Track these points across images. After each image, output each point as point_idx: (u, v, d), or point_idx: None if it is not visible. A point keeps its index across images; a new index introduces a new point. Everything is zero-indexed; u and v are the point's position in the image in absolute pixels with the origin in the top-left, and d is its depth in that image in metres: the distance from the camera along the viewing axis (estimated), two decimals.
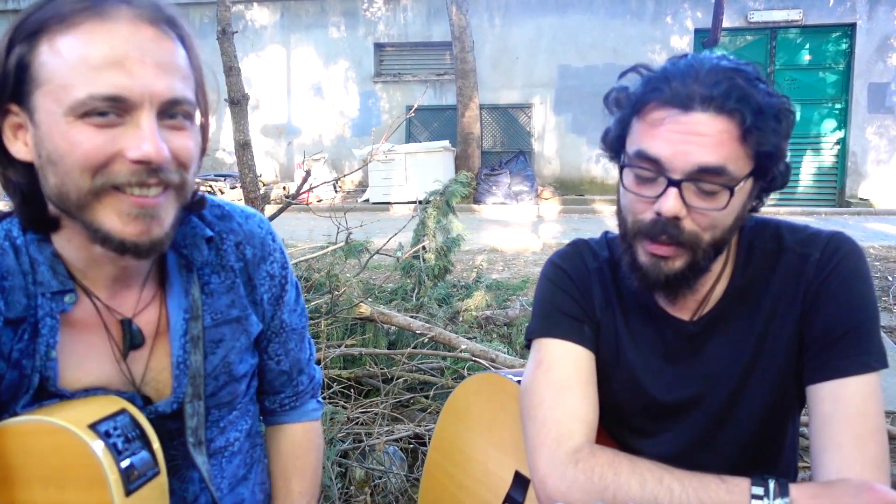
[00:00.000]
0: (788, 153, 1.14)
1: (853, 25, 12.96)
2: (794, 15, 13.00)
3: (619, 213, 1.17)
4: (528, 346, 1.29)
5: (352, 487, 2.44)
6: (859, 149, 13.16)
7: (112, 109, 0.90)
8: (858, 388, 1.08)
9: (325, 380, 2.92)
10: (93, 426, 0.96)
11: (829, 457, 1.06)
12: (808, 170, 13.47)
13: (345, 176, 6.22)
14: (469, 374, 3.13)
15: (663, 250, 1.09)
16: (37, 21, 0.91)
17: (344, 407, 2.84)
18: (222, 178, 13.34)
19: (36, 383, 1.01)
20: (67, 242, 1.02)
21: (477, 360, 2.99)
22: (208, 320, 1.14)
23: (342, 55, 14.91)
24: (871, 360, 1.09)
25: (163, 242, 0.98)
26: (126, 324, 1.07)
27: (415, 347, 3.23)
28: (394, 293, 4.66)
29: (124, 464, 0.96)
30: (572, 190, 13.90)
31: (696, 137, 1.03)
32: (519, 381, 1.34)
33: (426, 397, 3.01)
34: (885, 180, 13.06)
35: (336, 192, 14.11)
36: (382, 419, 2.76)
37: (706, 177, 1.04)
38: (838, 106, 13.24)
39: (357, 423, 2.76)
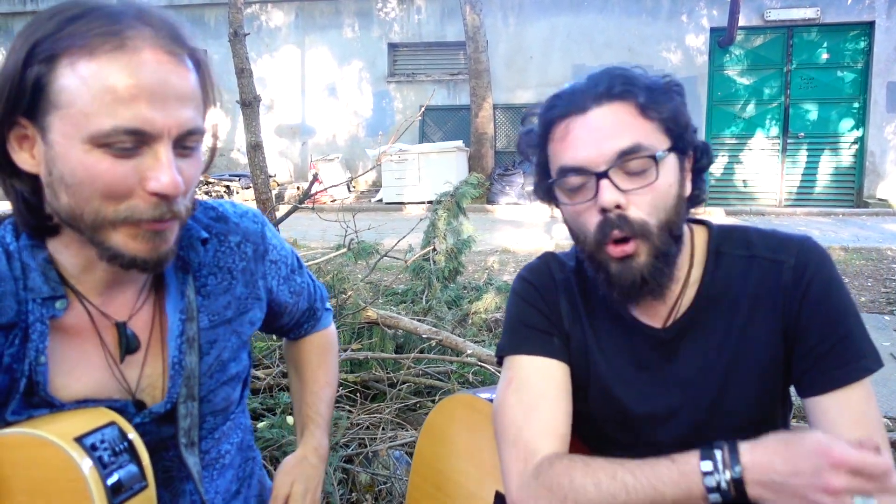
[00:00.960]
0: (696, 131, 1.19)
1: (872, 24, 12.82)
2: (811, 13, 12.87)
3: (576, 239, 1.19)
4: (499, 363, 1.29)
5: (354, 494, 2.43)
6: (877, 149, 13.01)
7: (133, 141, 0.92)
8: (861, 394, 1.10)
9: None
10: (79, 439, 0.95)
11: None
12: (825, 170, 13.35)
13: (357, 177, 6.23)
14: (475, 379, 3.12)
15: (625, 249, 1.11)
16: (57, 42, 0.90)
17: (349, 411, 2.84)
18: (237, 178, 13.43)
19: (23, 387, 1.00)
20: (64, 248, 1.02)
21: (483, 365, 2.98)
22: (205, 322, 1.14)
23: (356, 55, 14.95)
24: (868, 363, 1.11)
25: (168, 257, 1.01)
26: (121, 328, 1.07)
27: (421, 351, 3.22)
28: (404, 295, 4.66)
29: (111, 479, 0.95)
30: None
31: (601, 130, 1.10)
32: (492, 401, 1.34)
33: (433, 402, 3.00)
34: None
35: (350, 192, 14.14)
36: (387, 424, 2.76)
37: (627, 159, 1.09)
38: (856, 105, 13.10)
39: (362, 428, 2.76)
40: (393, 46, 14.94)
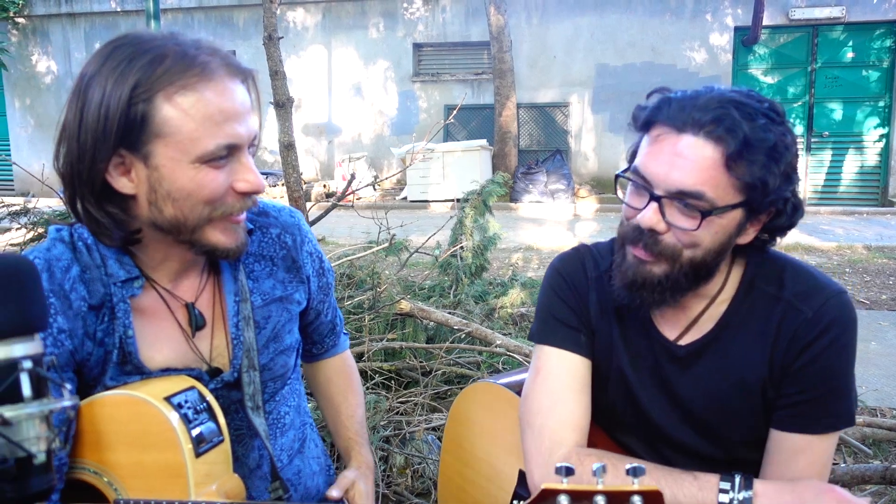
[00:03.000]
0: (793, 194, 1.16)
1: None
2: (836, 12, 12.80)
3: (620, 222, 1.25)
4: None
5: (394, 471, 2.61)
6: None
7: (227, 153, 1.12)
8: (823, 445, 1.16)
9: (368, 371, 3.10)
10: (168, 398, 1.13)
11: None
12: (850, 168, 13.27)
13: (385, 179, 6.38)
14: (504, 368, 3.28)
15: (643, 255, 1.16)
16: (154, 83, 1.07)
17: (385, 397, 3.01)
18: (265, 177, 13.62)
19: (117, 357, 1.20)
20: (144, 247, 1.21)
21: (512, 354, 3.14)
22: (258, 301, 1.33)
23: (381, 55, 15.10)
24: (837, 422, 1.17)
25: (245, 245, 1.23)
26: (190, 307, 1.27)
27: (452, 342, 3.39)
28: (432, 290, 4.81)
29: (195, 431, 1.12)
30: (609, 188, 13.88)
31: (680, 159, 1.09)
32: (511, 389, 1.52)
33: (461, 389, 3.15)
34: None
35: (375, 190, 14.31)
36: (421, 409, 2.93)
37: (685, 198, 1.09)
38: (881, 104, 13.01)
39: (397, 413, 2.93)
40: (418, 46, 15.07)
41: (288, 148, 5.00)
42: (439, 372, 3.18)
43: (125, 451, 1.12)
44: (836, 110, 13.20)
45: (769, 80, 13.47)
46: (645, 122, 1.17)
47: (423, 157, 12.72)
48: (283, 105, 6.21)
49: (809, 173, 13.36)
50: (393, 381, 3.19)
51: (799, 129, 13.36)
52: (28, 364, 0.81)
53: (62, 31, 16.33)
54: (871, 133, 13.12)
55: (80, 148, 1.09)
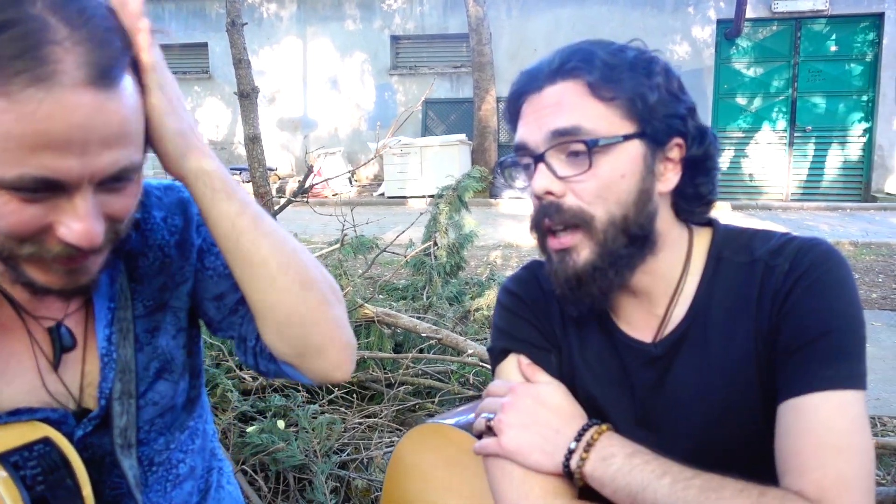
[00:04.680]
0: (690, 114, 1.04)
1: (881, 15, 12.66)
2: (819, 4, 12.72)
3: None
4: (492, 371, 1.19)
5: (352, 499, 2.31)
6: (886, 142, 12.86)
7: (44, 188, 0.78)
8: (824, 405, 0.91)
9: (327, 385, 2.80)
10: (4, 457, 0.86)
11: (786, 469, 0.90)
12: (833, 164, 13.21)
13: (357, 169, 6.10)
14: (476, 380, 3.01)
15: (562, 241, 1.02)
16: None
17: (345, 414, 2.72)
18: (237, 172, 13.30)
19: None
20: None
21: (484, 365, 2.86)
22: (139, 309, 1.03)
23: (358, 48, 14.83)
24: (840, 374, 0.92)
25: (90, 285, 0.90)
26: (55, 329, 0.96)
27: (421, 351, 3.11)
28: (404, 290, 4.56)
29: (34, 497, 0.85)
30: None
31: (546, 108, 1.01)
32: (468, 431, 1.23)
33: (432, 402, 2.89)
34: None
35: (352, 185, 14.04)
36: (384, 430, 2.64)
37: (562, 141, 0.99)
38: (865, 98, 12.95)
39: (358, 431, 2.65)
40: (395, 38, 14.82)
41: (253, 141, 4.71)
42: (405, 385, 2.90)
43: None
44: (820, 104, 13.13)
45: (752, 73, 13.37)
46: (512, 110, 1.09)
47: (400, 150, 12.48)
48: (247, 95, 5.88)
49: (793, 168, 13.34)
50: (354, 395, 2.90)
51: (782, 124, 13.32)
52: None
53: None
54: (855, 127, 13.06)
55: None
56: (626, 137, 0.99)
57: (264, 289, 0.95)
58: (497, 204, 12.49)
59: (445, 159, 12.49)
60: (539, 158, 1.01)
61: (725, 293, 1.05)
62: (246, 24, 6.20)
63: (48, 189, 0.78)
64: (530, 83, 1.05)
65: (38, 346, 0.96)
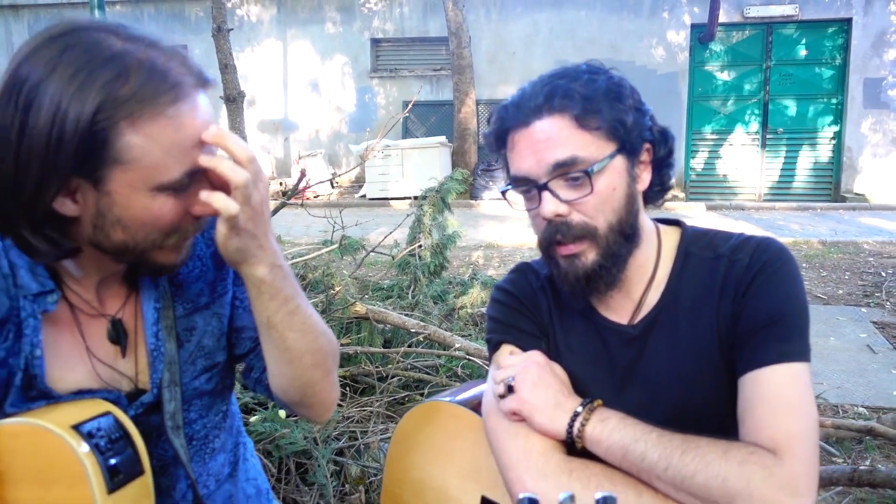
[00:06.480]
0: (653, 122, 1.21)
1: (849, 21, 12.98)
2: (790, 10, 13.01)
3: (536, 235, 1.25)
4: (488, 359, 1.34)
5: (347, 485, 2.47)
6: (855, 144, 13.19)
7: (190, 180, 0.99)
8: (776, 375, 1.10)
9: None
10: (76, 427, 0.99)
11: (747, 429, 1.08)
12: (803, 165, 13.50)
13: (341, 175, 6.22)
14: (463, 372, 3.17)
15: (570, 249, 1.17)
16: (122, 104, 0.92)
17: (339, 405, 2.87)
18: None
19: (20, 381, 1.04)
20: (67, 260, 1.06)
21: (471, 358, 3.02)
22: (180, 310, 1.19)
23: (338, 50, 14.90)
24: (790, 350, 1.11)
25: (187, 256, 1.12)
26: (114, 322, 1.12)
27: (409, 346, 3.26)
28: (390, 290, 4.69)
29: (107, 463, 0.99)
30: None
31: (541, 143, 1.14)
32: (468, 405, 1.39)
33: (421, 395, 3.04)
34: (881, 175, 13.10)
35: (333, 188, 14.12)
36: (377, 417, 2.79)
37: (564, 171, 1.13)
38: (834, 101, 13.26)
39: (353, 422, 2.80)
40: (375, 41, 14.90)
41: None
42: (396, 378, 3.05)
43: (27, 488, 0.99)
44: (791, 107, 13.42)
45: (725, 76, 13.64)
46: (498, 138, 1.22)
47: (381, 153, 12.58)
48: (233, 100, 5.99)
49: (765, 169, 13.59)
50: (348, 388, 3.05)
51: (754, 126, 13.58)
52: None
53: (4, 24, 15.76)
54: (825, 130, 13.37)
55: (20, 168, 0.92)
56: (612, 156, 1.15)
57: (282, 364, 1.17)
58: (478, 205, 12.64)
59: (426, 161, 12.60)
60: (543, 187, 1.15)
61: (693, 282, 1.23)
62: (232, 29, 6.29)
63: (191, 179, 0.99)
64: (517, 117, 1.17)
65: (97, 339, 1.12)
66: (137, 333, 1.16)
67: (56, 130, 0.90)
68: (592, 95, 1.14)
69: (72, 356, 1.10)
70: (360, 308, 3.26)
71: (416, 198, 5.07)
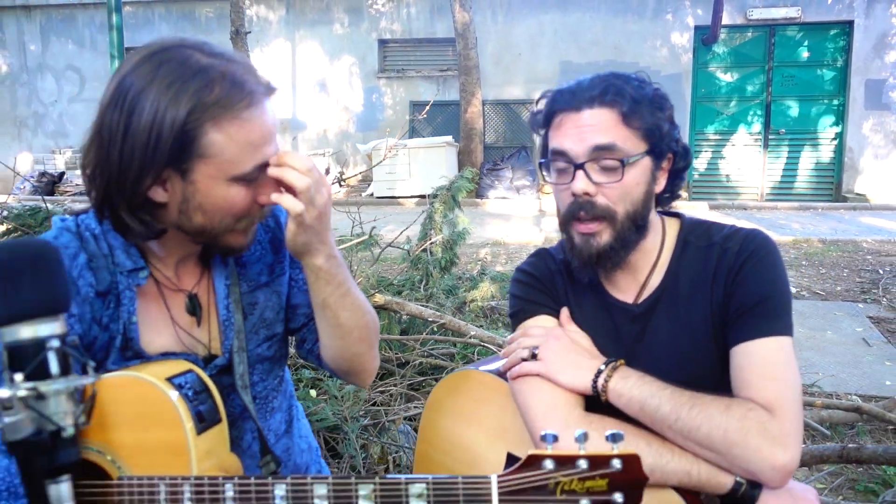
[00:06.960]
0: (679, 139, 1.38)
1: (851, 23, 13.12)
2: (792, 12, 13.15)
3: (557, 211, 1.41)
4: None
5: (371, 460, 2.66)
6: (856, 145, 13.33)
7: (258, 172, 1.20)
8: (765, 345, 1.28)
9: None
10: (169, 379, 1.18)
11: (738, 393, 1.28)
12: (805, 165, 13.64)
13: (352, 177, 6.41)
14: (478, 359, 3.35)
15: (588, 227, 1.34)
16: (208, 108, 1.12)
17: (360, 390, 3.06)
18: None
19: (119, 343, 1.25)
20: (155, 241, 1.28)
21: (485, 345, 3.21)
22: (244, 287, 1.39)
23: (346, 51, 15.07)
24: (776, 326, 1.30)
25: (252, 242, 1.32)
26: (192, 297, 1.34)
27: (426, 334, 3.45)
28: (402, 284, 4.88)
29: (195, 410, 1.18)
30: None
31: (588, 127, 1.31)
32: (497, 374, 1.55)
33: (437, 380, 3.22)
34: (881, 176, 13.23)
35: (340, 186, 14.29)
36: (398, 399, 2.99)
37: (602, 154, 1.30)
38: (836, 102, 13.40)
39: (374, 404, 2.99)
40: (383, 42, 15.07)
41: None
42: (415, 363, 3.24)
43: (128, 431, 1.16)
44: (793, 108, 13.55)
45: (728, 78, 13.78)
46: (546, 117, 1.37)
47: (394, 152, 12.74)
48: None
49: (767, 170, 13.72)
50: None
51: (756, 127, 13.71)
52: (55, 343, 0.85)
53: (17, 24, 15.97)
54: (827, 131, 13.50)
55: (124, 161, 1.13)
56: (643, 154, 1.33)
57: (334, 338, 1.39)
58: (484, 204, 12.78)
59: (433, 160, 12.77)
60: (579, 166, 1.31)
61: (691, 267, 1.41)
62: (249, 32, 6.47)
63: (260, 173, 1.19)
64: (570, 101, 1.33)
65: (179, 310, 1.33)
66: (210, 306, 1.36)
67: (155, 130, 1.11)
68: (640, 99, 1.32)
69: (158, 323, 1.31)
70: (379, 298, 3.46)
71: (426, 196, 5.24)
